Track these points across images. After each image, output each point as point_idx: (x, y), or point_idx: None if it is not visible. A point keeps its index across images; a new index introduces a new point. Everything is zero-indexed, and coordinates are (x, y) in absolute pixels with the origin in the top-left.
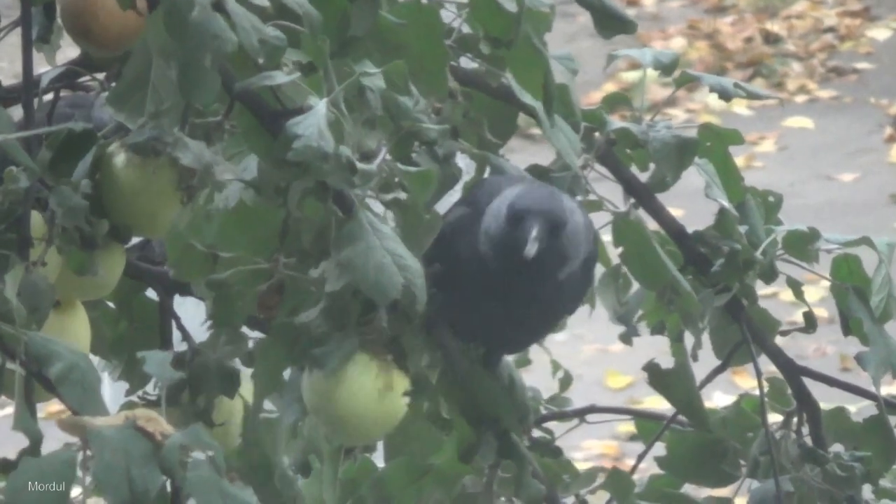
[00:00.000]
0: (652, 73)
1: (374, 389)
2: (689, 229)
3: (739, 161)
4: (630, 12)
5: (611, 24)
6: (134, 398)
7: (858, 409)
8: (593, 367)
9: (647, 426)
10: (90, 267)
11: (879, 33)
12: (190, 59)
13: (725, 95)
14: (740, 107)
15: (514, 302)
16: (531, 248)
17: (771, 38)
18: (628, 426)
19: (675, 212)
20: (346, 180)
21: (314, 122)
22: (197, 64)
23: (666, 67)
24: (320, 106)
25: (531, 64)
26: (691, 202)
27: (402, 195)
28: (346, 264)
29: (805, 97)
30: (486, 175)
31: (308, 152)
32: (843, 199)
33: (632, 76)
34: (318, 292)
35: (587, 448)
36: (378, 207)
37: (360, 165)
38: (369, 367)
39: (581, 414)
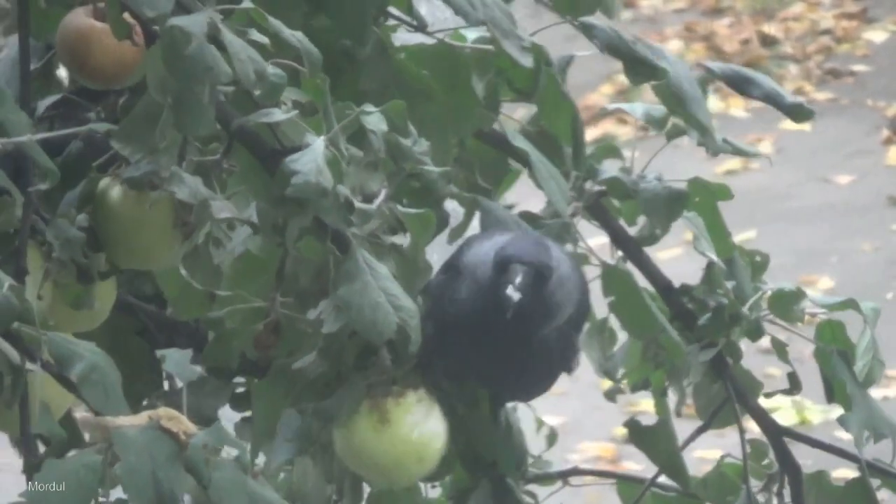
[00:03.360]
0: None
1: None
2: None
3: (737, 163)
4: (627, 14)
5: (641, 70)
6: None
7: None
8: (591, 369)
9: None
10: (86, 301)
11: (876, 35)
12: (184, 90)
13: (714, 150)
14: (737, 109)
15: (502, 349)
16: (514, 296)
17: (767, 41)
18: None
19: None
20: (343, 219)
21: (312, 159)
22: (191, 96)
23: (657, 122)
24: (318, 143)
25: (558, 108)
26: None
27: (401, 240)
28: (342, 303)
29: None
30: (475, 220)
31: (307, 188)
32: (840, 202)
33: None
34: (314, 333)
35: (584, 450)
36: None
37: (357, 204)
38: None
39: (564, 476)
